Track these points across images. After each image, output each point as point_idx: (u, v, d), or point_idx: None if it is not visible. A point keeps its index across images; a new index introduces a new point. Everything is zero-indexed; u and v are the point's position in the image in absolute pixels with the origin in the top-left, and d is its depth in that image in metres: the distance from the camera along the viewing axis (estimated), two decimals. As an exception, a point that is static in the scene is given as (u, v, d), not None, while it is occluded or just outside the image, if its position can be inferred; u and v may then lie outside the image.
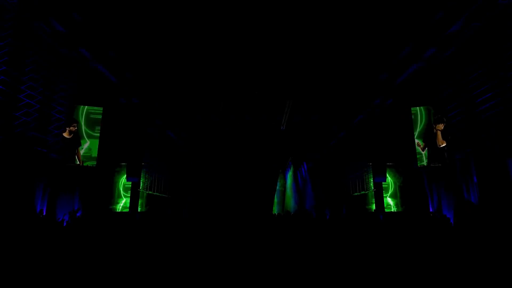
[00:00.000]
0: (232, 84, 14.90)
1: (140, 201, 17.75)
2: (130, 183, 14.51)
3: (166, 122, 15.83)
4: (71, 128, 8.15)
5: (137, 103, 12.54)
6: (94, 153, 9.15)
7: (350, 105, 14.43)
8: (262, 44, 12.03)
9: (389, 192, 17.81)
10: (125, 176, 14.57)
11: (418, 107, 9.07)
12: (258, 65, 13.33)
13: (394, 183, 16.17)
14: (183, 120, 17.36)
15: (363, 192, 15.85)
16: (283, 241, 6.84)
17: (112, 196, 16.17)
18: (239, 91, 15.66)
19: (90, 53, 9.00)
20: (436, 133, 7.95)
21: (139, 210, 17.43)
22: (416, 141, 8.75)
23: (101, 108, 8.96)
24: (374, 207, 17.05)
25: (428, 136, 8.50)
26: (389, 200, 18.24)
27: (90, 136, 9.07)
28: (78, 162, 8.67)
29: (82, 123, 9.19)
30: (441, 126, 8.29)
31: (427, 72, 8.99)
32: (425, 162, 9.41)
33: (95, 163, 8.84)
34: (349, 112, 14.76)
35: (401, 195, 17.01)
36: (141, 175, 15.51)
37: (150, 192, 15.81)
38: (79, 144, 8.62)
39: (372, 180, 15.78)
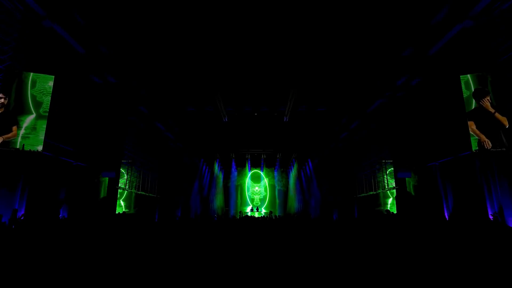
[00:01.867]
0: (229, 68, 12.92)
1: (122, 203, 15.76)
2: (122, 181, 12.44)
3: (153, 111, 13.82)
4: (-3, 100, 6.07)
5: (114, 83, 10.55)
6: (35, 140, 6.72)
7: (365, 89, 12.40)
8: (262, 22, 10.09)
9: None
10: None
11: (468, 75, 7.03)
12: (258, 44, 11.38)
13: (408, 182, 14.16)
14: (173, 110, 15.36)
15: (380, 191, 13.82)
16: (285, 247, 5.95)
17: (98, 197, 14.16)
18: (237, 77, 13.71)
19: (43, 9, 7.00)
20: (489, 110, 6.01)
21: (126, 212, 15.45)
22: (472, 127, 6.69)
23: (52, 77, 6.93)
24: (385, 207, 15.07)
25: (484, 115, 6.51)
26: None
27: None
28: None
29: (29, 95, 6.85)
30: (487, 100, 6.38)
31: (476, 33, 7.03)
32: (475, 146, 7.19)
33: (41, 147, 6.80)
34: (364, 98, 12.72)
35: (416, 195, 15.07)
36: (129, 173, 13.56)
37: (133, 190, 13.77)
38: (14, 123, 6.52)
39: (386, 177, 13.79)
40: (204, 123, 17.28)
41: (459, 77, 7.14)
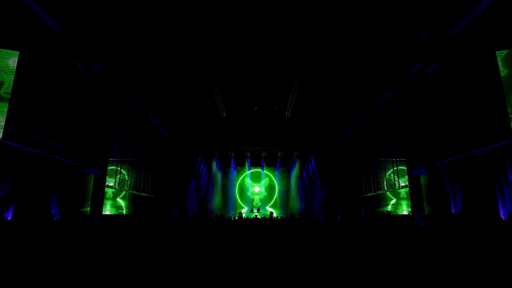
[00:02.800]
0: (227, 58, 11.96)
1: (122, 202, 14.81)
2: (110, 181, 11.43)
3: (145, 104, 12.83)
4: None
5: (100, 70, 9.59)
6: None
7: (374, 80, 11.42)
8: (262, 7, 9.15)
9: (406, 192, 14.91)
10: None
11: (506, 51, 6.08)
12: (257, 31, 10.43)
13: (399, 183, 13.14)
14: (168, 104, 14.39)
15: (391, 189, 12.82)
16: (287, 251, 5.53)
17: (84, 196, 13.21)
18: (235, 67, 12.75)
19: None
20: None
21: (124, 213, 14.49)
22: None
23: (17, 53, 5.97)
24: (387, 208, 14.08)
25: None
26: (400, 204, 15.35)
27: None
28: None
29: None
30: None
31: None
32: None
33: (1, 135, 5.84)
34: (373, 89, 11.74)
35: (426, 194, 14.21)
36: (119, 170, 12.56)
37: (123, 189, 12.77)
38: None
39: (394, 176, 12.84)
40: (201, 118, 16.32)
41: (495, 53, 6.20)
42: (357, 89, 12.63)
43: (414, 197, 10.14)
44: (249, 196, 24.23)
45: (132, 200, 14.72)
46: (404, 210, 13.90)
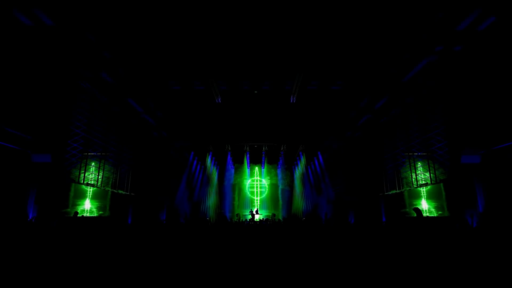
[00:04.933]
0: (222, 32, 9.84)
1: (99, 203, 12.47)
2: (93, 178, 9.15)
3: (122, 82, 10.59)
4: None
5: (54, 27, 7.36)
6: None
7: (402, 47, 9.19)
8: None
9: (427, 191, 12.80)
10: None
11: None
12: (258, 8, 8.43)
13: (437, 177, 11.02)
14: (152, 85, 12.18)
15: (425, 184, 10.50)
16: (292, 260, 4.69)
17: (67, 197, 10.83)
18: (233, 46, 10.63)
19: None
20: None
21: (97, 214, 12.18)
22: None
23: None
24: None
25: None
26: (424, 203, 13.24)
27: None
28: None
29: None
30: None
31: None
32: None
33: None
34: (401, 59, 9.50)
35: (446, 195, 12.10)
36: (83, 161, 10.26)
37: (92, 183, 10.44)
38: None
39: (430, 168, 10.62)
40: (193, 104, 14.16)
41: None
42: (379, 62, 10.39)
43: (463, 193, 7.93)
44: (249, 197, 21.93)
45: (111, 200, 12.42)
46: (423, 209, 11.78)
